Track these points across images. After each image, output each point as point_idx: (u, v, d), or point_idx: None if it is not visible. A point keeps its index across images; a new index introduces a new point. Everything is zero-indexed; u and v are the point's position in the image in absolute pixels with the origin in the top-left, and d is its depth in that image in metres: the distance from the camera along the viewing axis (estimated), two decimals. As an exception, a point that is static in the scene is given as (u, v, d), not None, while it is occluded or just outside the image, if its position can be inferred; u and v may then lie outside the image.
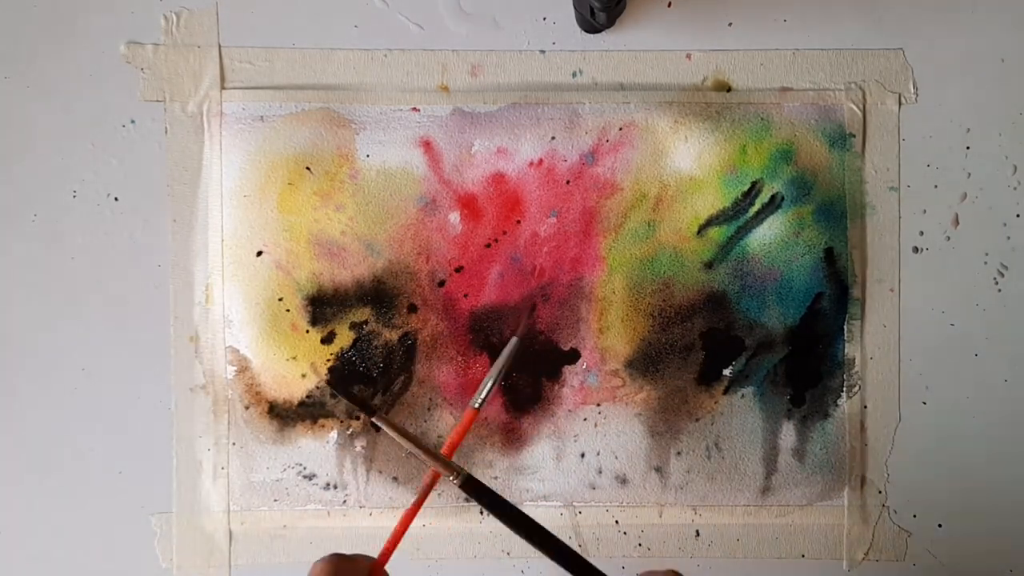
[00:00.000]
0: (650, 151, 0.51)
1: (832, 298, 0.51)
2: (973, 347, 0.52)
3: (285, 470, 0.51)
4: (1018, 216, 0.52)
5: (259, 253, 0.51)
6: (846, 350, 0.52)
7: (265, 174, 0.50)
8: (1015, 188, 0.52)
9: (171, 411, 0.51)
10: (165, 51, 0.51)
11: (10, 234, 0.51)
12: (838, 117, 0.52)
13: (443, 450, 0.46)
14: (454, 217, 0.51)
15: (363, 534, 0.52)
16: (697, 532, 0.52)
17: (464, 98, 0.51)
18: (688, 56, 0.52)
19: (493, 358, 0.51)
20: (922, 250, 0.52)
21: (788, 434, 0.51)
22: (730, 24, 0.52)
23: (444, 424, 0.51)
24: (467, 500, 0.51)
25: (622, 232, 0.51)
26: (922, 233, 0.52)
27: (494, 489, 0.45)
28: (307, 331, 0.51)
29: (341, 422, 0.51)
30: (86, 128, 0.51)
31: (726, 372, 0.51)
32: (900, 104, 0.52)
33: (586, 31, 0.51)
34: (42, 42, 0.51)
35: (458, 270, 0.51)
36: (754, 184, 0.51)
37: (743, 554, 0.52)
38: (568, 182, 0.51)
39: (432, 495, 0.51)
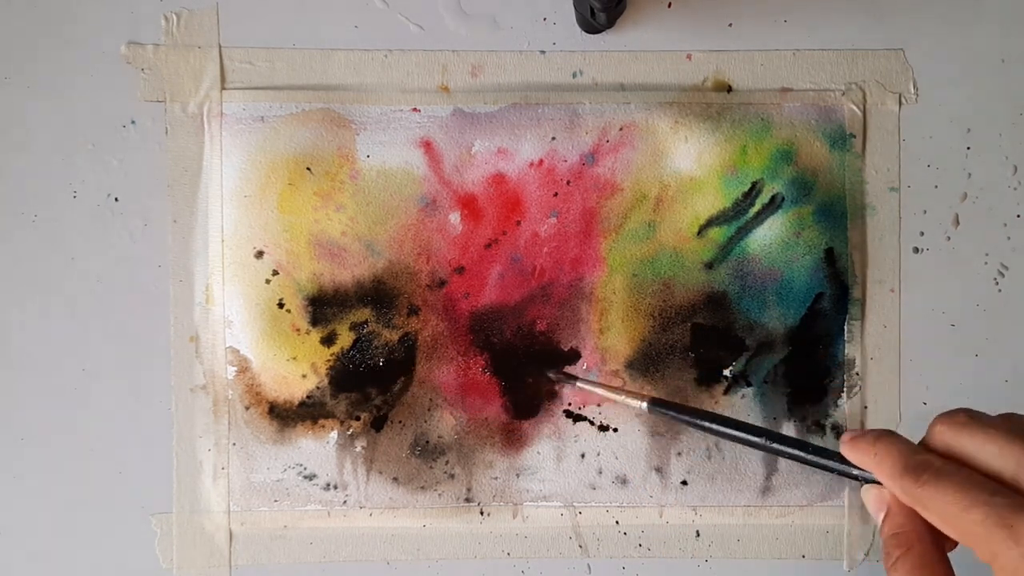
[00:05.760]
0: (650, 151, 0.51)
1: (832, 298, 0.51)
2: (973, 347, 0.52)
3: (285, 470, 0.51)
4: (1018, 216, 0.52)
5: (259, 253, 0.51)
6: (846, 350, 0.52)
7: (265, 174, 0.50)
8: (1015, 188, 0.52)
9: (171, 411, 0.51)
10: (165, 51, 0.51)
11: (10, 234, 0.51)
12: (838, 117, 0.52)
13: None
14: (454, 217, 0.51)
15: (363, 534, 0.52)
16: (697, 532, 0.52)
17: (464, 98, 0.51)
18: (688, 56, 0.52)
19: (493, 359, 0.51)
20: (922, 250, 0.52)
21: (788, 434, 0.51)
22: (730, 24, 0.52)
23: (444, 424, 0.51)
24: (467, 500, 0.51)
25: (622, 232, 0.51)
26: (922, 233, 0.52)
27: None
28: (307, 332, 0.50)
29: (341, 423, 0.51)
30: (86, 128, 0.51)
31: (726, 372, 0.51)
32: (900, 104, 0.52)
33: (586, 31, 0.51)
34: (42, 42, 0.51)
35: (458, 270, 0.51)
36: (754, 184, 0.51)
37: (743, 554, 0.52)
38: (568, 182, 0.51)
39: (432, 495, 0.51)
